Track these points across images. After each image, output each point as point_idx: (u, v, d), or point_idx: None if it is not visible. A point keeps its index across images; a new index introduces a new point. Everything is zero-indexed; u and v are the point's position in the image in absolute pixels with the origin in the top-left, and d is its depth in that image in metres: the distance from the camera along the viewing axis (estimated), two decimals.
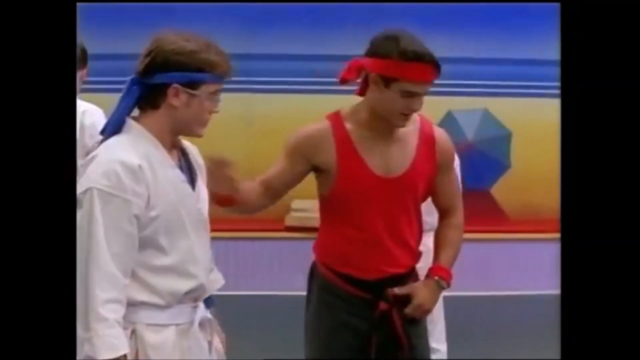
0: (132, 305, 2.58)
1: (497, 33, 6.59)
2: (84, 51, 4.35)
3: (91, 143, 4.22)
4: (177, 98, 2.59)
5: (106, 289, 2.52)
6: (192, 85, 2.59)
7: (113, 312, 2.53)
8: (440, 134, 3.32)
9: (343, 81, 3.21)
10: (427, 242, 4.28)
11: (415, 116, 3.22)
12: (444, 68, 6.61)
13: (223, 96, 2.73)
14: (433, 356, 4.35)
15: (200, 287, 2.71)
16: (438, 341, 4.39)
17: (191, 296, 2.69)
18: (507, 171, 6.73)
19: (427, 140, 3.27)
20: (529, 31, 6.72)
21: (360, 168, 3.19)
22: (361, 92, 3.23)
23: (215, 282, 2.83)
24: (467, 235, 6.64)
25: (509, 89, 6.60)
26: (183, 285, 2.66)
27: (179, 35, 2.62)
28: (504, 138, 6.71)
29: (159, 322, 2.64)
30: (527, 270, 6.83)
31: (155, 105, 2.62)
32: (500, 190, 6.69)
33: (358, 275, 3.25)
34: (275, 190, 3.24)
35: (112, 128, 2.65)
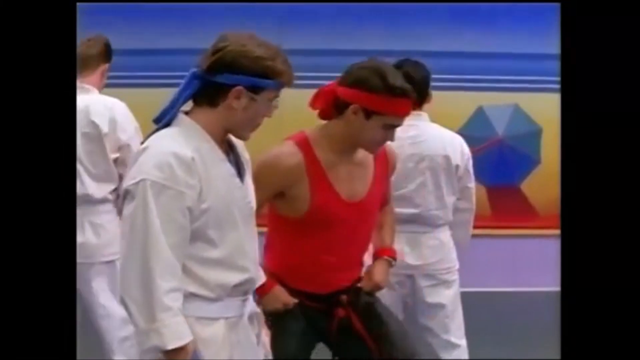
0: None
1: (529, 28, 6.54)
2: (107, 46, 4.38)
3: (124, 137, 4.27)
4: (238, 100, 2.62)
5: (168, 278, 2.54)
6: (255, 89, 2.62)
7: (176, 301, 2.55)
8: (389, 148, 3.42)
9: (314, 108, 3.28)
10: (440, 236, 4.33)
11: None
12: (475, 63, 6.60)
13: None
14: (453, 352, 4.37)
15: (250, 280, 2.74)
16: (456, 336, 4.40)
17: (240, 289, 2.71)
18: (537, 167, 6.69)
19: (380, 160, 3.39)
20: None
21: (331, 195, 3.26)
22: (327, 116, 3.27)
23: (259, 278, 2.85)
24: (497, 232, 6.62)
25: (540, 84, 6.55)
26: (232, 278, 2.68)
27: (250, 38, 2.65)
28: (535, 134, 6.66)
29: (208, 315, 2.67)
30: (557, 266, 6.79)
31: (213, 103, 2.64)
32: (531, 186, 6.63)
33: (313, 291, 3.35)
34: None
35: (168, 119, 2.67)
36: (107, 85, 4.54)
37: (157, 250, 2.54)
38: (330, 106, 3.26)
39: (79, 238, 4.18)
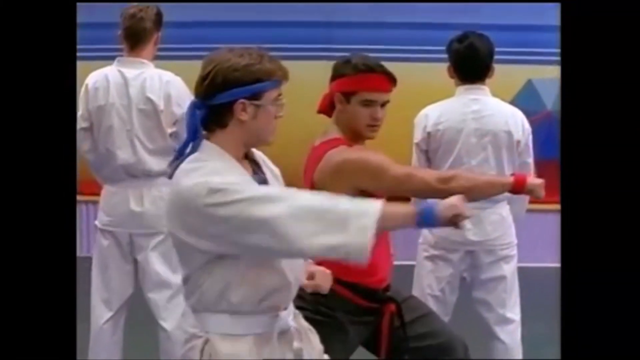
0: (206, 311, 2.67)
1: None
2: (159, 15, 4.36)
3: (179, 112, 4.29)
4: (245, 112, 2.68)
5: None
6: (255, 96, 2.68)
7: None
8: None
9: (320, 112, 3.54)
10: (501, 212, 4.32)
11: None
12: (526, 36, 6.49)
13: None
14: (507, 327, 4.36)
15: (278, 293, 2.73)
16: (513, 312, 4.40)
17: (267, 305, 2.71)
18: None
19: None
20: None
21: None
22: (320, 109, 3.54)
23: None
24: (544, 206, 6.55)
25: None
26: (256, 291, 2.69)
27: (230, 52, 2.70)
28: None
29: (234, 332, 2.69)
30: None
31: (222, 124, 2.70)
32: None
33: (367, 284, 3.40)
34: None
35: (193, 148, 2.74)
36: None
37: None
38: (326, 102, 3.52)
39: (137, 208, 4.32)
